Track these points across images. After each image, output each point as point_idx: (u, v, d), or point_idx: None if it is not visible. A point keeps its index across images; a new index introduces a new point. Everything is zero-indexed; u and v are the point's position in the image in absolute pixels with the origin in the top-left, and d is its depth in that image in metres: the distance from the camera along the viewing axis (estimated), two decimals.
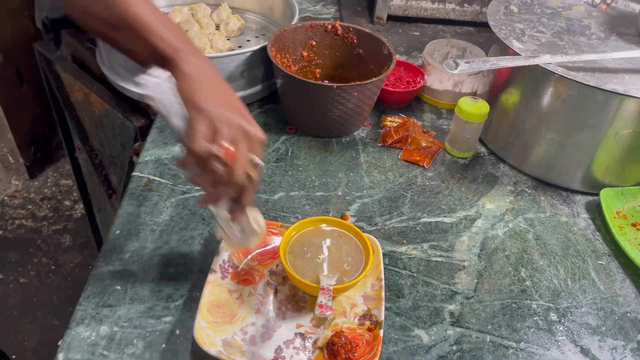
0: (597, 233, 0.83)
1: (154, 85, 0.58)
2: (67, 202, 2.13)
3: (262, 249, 0.73)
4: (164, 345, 0.62)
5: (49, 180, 2.22)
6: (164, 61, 0.61)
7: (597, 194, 0.86)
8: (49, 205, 2.11)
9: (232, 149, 0.56)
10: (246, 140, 0.58)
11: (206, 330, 0.62)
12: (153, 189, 0.81)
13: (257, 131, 0.59)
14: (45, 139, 2.24)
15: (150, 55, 0.62)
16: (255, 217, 0.65)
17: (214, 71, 0.63)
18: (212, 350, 0.59)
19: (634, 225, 0.83)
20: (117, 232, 0.74)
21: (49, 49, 1.30)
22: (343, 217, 0.80)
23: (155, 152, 0.88)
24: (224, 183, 0.57)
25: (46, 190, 2.17)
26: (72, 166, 1.57)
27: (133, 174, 0.84)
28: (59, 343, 0.64)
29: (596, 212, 0.87)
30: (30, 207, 2.10)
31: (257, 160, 0.59)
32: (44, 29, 1.33)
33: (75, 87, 1.27)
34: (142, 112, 1.07)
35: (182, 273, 0.70)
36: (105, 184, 1.41)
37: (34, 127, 2.15)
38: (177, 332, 0.64)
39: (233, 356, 0.59)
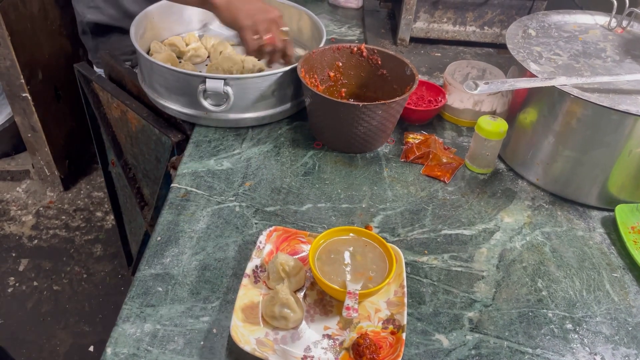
0: (612, 247, 0.87)
1: None
2: (98, 214, 2.21)
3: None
4: (202, 343, 0.67)
5: (82, 192, 2.31)
6: (203, 3, 1.00)
7: (613, 210, 0.90)
8: (81, 216, 2.20)
9: (269, 35, 1.00)
10: (274, 24, 1.00)
11: (241, 330, 0.67)
12: (190, 200, 0.87)
13: (276, 13, 1.01)
14: (79, 153, 2.34)
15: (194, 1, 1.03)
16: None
17: None
18: (247, 348, 0.64)
19: None
20: (158, 238, 0.80)
21: (88, 69, 1.38)
22: (367, 227, 0.85)
23: (192, 165, 0.94)
24: (274, 51, 1.02)
25: (79, 201, 2.26)
26: (105, 179, 1.65)
27: (172, 185, 0.90)
28: (90, 349, 0.69)
29: (611, 227, 0.90)
30: (64, 217, 2.19)
31: (284, 28, 1.03)
32: (84, 39, 1.43)
33: (112, 105, 1.34)
34: (178, 128, 1.13)
35: (218, 277, 0.76)
36: (137, 197, 1.48)
37: (69, 141, 2.25)
38: (214, 330, 0.69)
39: (266, 353, 0.64)
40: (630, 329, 0.74)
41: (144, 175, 1.41)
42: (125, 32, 1.12)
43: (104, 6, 1.37)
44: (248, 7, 0.98)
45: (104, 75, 1.36)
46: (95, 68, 1.51)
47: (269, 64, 1.06)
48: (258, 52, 1.02)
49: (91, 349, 1.73)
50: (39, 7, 1.96)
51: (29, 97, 1.97)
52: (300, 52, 1.24)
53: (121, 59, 1.35)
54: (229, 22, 1.00)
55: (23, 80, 1.92)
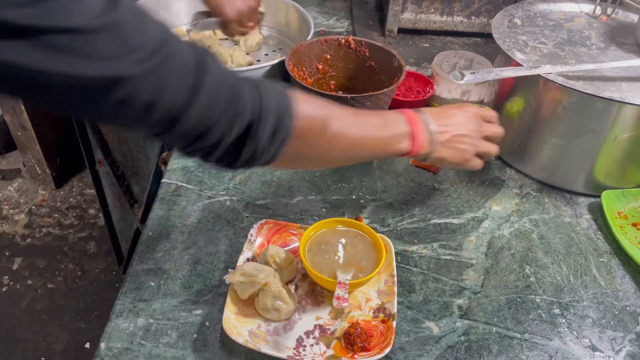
0: (599, 233, 0.88)
1: None
2: (91, 211, 2.21)
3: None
4: (195, 336, 0.68)
5: (74, 189, 2.30)
6: None
7: (599, 196, 0.91)
8: (74, 214, 2.19)
9: (252, 24, 1.15)
10: (254, 11, 1.12)
11: (233, 322, 0.67)
12: (181, 195, 0.88)
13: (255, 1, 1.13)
14: (70, 150, 2.33)
15: None
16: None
17: None
18: (239, 339, 0.65)
19: (634, 225, 0.88)
20: (150, 233, 0.81)
21: None
22: (357, 219, 0.86)
23: (182, 161, 0.94)
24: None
25: (72, 199, 2.26)
26: (93, 179, 1.65)
27: (162, 180, 0.90)
28: (86, 345, 0.70)
29: (598, 213, 0.91)
30: (56, 215, 2.19)
31: (261, 9, 1.17)
32: None
33: None
34: None
35: (210, 270, 0.76)
36: (127, 195, 1.48)
37: (60, 139, 2.24)
38: (207, 323, 0.70)
39: (258, 345, 0.65)
40: (616, 312, 0.76)
41: (133, 172, 1.41)
42: None
43: None
44: None
45: None
46: None
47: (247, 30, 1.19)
48: (240, 27, 1.15)
49: (87, 345, 1.73)
50: None
51: None
52: (288, 42, 1.25)
53: None
54: (216, 10, 1.11)
55: None
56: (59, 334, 1.78)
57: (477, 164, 0.79)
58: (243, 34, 1.17)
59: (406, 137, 0.69)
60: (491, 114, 0.82)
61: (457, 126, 0.74)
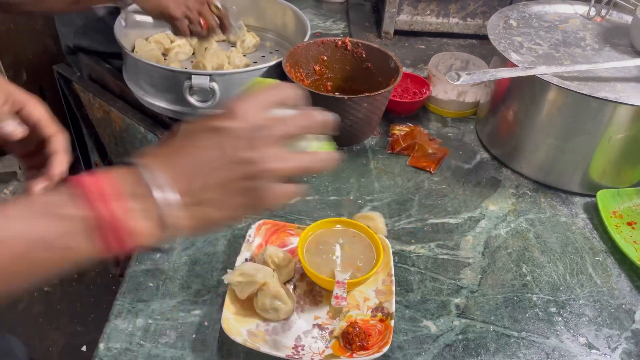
0: (595, 232, 0.89)
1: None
2: None
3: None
4: (194, 336, 0.68)
5: None
6: None
7: (595, 196, 0.91)
8: None
9: (202, 20, 0.99)
10: (204, 5, 0.98)
11: (232, 322, 0.68)
12: None
13: None
14: None
15: None
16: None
17: None
18: (238, 339, 0.65)
19: (629, 224, 0.89)
20: None
21: (68, 69, 1.37)
22: None
23: None
24: (211, 30, 1.01)
25: None
26: None
27: None
28: (83, 348, 0.70)
29: (594, 213, 0.92)
30: None
31: (217, 3, 1.01)
32: (69, 52, 1.41)
33: (94, 105, 1.34)
34: (164, 126, 1.14)
35: (208, 271, 0.76)
36: None
37: None
38: (206, 323, 0.70)
39: (257, 344, 0.65)
40: (612, 310, 0.76)
41: None
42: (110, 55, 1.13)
43: (91, 32, 1.33)
44: None
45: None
46: None
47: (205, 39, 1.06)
48: (194, 36, 1.02)
49: (84, 348, 1.72)
50: None
51: None
52: (285, 44, 1.25)
53: (102, 59, 1.33)
54: (155, 11, 0.96)
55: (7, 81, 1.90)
56: (55, 337, 1.77)
57: (280, 196, 0.43)
58: (199, 35, 1.02)
59: (85, 230, 0.38)
60: (285, 90, 0.45)
61: (202, 176, 0.41)
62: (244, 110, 0.42)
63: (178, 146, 0.42)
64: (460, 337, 0.71)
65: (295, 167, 0.43)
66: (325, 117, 0.46)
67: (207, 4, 1.00)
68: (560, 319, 0.74)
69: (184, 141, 0.42)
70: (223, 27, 1.04)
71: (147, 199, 0.39)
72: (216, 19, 1.02)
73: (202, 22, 0.99)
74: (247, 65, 1.16)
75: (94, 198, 0.38)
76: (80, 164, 2.33)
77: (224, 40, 1.27)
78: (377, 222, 0.79)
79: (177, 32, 0.99)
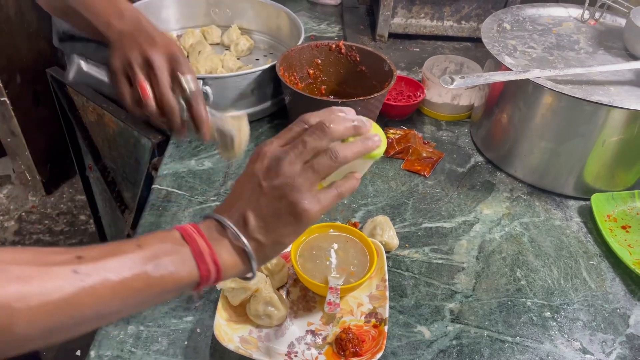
0: (589, 235, 0.88)
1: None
2: (82, 217, 2.19)
3: None
4: (186, 342, 0.68)
5: (64, 195, 2.29)
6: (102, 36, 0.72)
7: (589, 199, 0.91)
8: (65, 220, 2.18)
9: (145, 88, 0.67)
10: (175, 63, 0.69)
11: (225, 328, 0.67)
12: (172, 200, 0.87)
13: (173, 47, 0.69)
14: (60, 156, 2.31)
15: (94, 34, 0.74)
16: (239, 124, 0.72)
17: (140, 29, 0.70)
18: (230, 346, 0.64)
19: (623, 227, 0.88)
20: None
21: (62, 73, 1.37)
22: (355, 224, 0.86)
23: (173, 166, 0.94)
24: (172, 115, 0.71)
25: (62, 205, 2.24)
26: (83, 184, 1.63)
27: (153, 186, 0.90)
28: (77, 353, 0.69)
29: (588, 216, 0.92)
30: (47, 222, 2.17)
31: (188, 77, 0.69)
32: (61, 46, 1.40)
33: (88, 109, 1.33)
34: (157, 129, 1.13)
35: None
36: (117, 200, 1.47)
37: (50, 145, 2.22)
38: (198, 330, 0.69)
39: (250, 351, 0.65)
40: (606, 315, 0.76)
41: (124, 178, 1.40)
42: (102, 43, 1.10)
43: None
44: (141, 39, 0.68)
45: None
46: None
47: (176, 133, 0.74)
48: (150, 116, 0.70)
49: (78, 353, 1.71)
50: (16, 10, 1.93)
51: (7, 101, 1.94)
52: (279, 47, 1.25)
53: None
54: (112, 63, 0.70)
55: (1, 84, 1.89)
56: None
57: (314, 202, 0.51)
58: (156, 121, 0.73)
59: (189, 259, 0.48)
60: (311, 117, 0.57)
61: (252, 209, 0.50)
62: (266, 148, 0.53)
63: (233, 196, 0.52)
64: (454, 342, 0.70)
65: (313, 176, 0.51)
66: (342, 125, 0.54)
67: (173, 75, 0.69)
68: (554, 323, 0.74)
69: (236, 191, 0.53)
70: (195, 118, 0.71)
71: (224, 238, 0.50)
72: (181, 101, 0.70)
73: (144, 88, 0.67)
74: (241, 69, 1.16)
75: (193, 236, 0.48)
76: (74, 167, 2.32)
77: (217, 44, 1.26)
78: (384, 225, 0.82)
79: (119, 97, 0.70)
